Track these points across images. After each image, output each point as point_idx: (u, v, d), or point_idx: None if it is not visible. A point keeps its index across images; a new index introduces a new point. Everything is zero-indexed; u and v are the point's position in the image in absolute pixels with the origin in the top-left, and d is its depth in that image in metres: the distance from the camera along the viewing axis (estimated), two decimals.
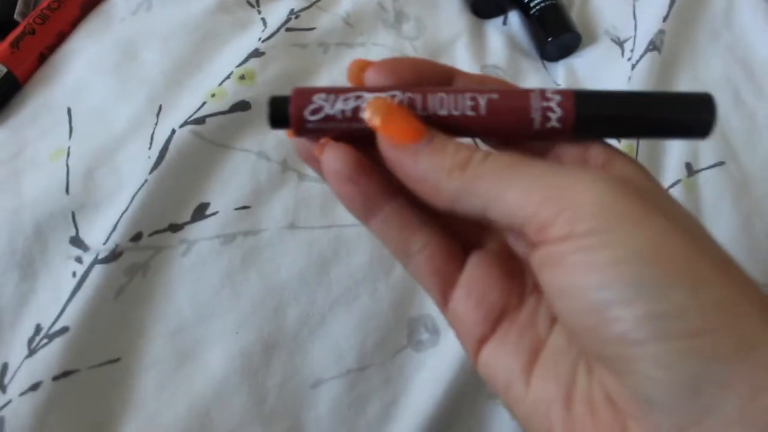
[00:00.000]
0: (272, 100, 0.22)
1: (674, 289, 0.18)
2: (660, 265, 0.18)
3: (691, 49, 0.51)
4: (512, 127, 0.22)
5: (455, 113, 0.22)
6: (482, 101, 0.21)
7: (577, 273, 0.19)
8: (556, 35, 0.49)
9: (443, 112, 0.22)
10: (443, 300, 0.24)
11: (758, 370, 0.18)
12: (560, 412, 0.21)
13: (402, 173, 0.21)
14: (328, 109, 0.22)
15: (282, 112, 0.22)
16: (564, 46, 0.50)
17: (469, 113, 0.22)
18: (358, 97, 0.22)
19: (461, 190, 0.20)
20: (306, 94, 0.22)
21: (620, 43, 0.51)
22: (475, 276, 0.24)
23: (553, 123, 0.21)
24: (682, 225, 0.19)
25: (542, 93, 0.21)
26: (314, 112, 0.22)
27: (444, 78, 0.23)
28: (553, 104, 0.21)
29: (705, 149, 0.46)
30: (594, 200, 0.19)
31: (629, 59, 0.49)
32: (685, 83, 0.49)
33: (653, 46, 0.48)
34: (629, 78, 0.47)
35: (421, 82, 0.23)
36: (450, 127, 0.22)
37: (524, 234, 0.20)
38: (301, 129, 0.22)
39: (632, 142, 0.44)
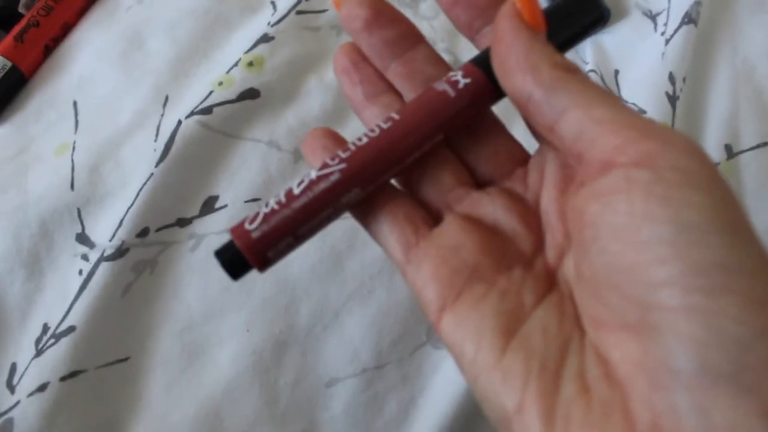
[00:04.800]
0: (219, 256, 0.22)
1: (745, 246, 0.17)
2: (731, 225, 0.17)
3: (731, 21, 0.48)
4: (438, 111, 0.23)
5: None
6: (397, 116, 0.23)
7: (650, 202, 0.18)
8: None
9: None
10: (405, 257, 0.23)
11: None
12: (538, 389, 0.19)
13: (510, 42, 0.21)
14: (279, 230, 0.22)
15: (239, 262, 0.22)
16: None
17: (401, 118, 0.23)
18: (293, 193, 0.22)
19: (558, 81, 0.20)
20: (249, 237, 0.22)
21: (653, 17, 0.48)
22: (444, 232, 0.23)
23: (464, 81, 0.23)
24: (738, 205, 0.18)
25: (445, 78, 0.23)
26: (271, 244, 0.22)
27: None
28: (457, 76, 0.23)
29: (746, 129, 0.43)
30: (685, 142, 0.18)
31: (662, 34, 0.46)
32: (724, 58, 0.46)
33: (689, 18, 0.45)
34: (663, 54, 0.44)
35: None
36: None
37: (584, 158, 0.20)
38: (267, 262, 0.22)
39: (668, 122, 0.41)
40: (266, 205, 0.22)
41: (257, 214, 0.22)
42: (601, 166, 0.19)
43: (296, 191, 0.22)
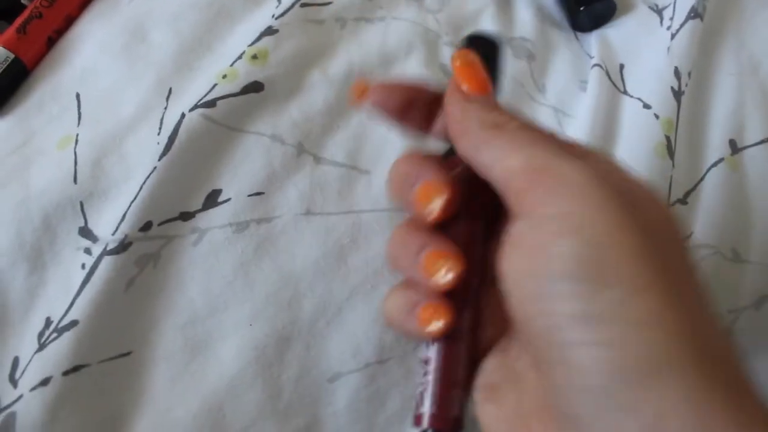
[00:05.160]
0: None
1: (607, 293, 0.18)
2: (603, 265, 0.18)
3: (737, 16, 0.48)
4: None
5: None
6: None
7: (523, 256, 0.20)
8: (588, 4, 0.46)
9: None
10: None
11: (666, 395, 0.17)
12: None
13: (450, 112, 0.25)
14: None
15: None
16: (597, 16, 0.47)
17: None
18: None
19: (485, 141, 0.23)
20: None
21: (659, 11, 0.47)
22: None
23: None
24: (650, 226, 0.19)
25: None
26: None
27: (433, 101, 0.26)
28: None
29: (751, 124, 0.42)
30: (574, 181, 0.20)
31: (668, 28, 0.46)
32: (730, 54, 0.46)
33: (695, 13, 0.45)
34: (668, 48, 0.44)
35: (410, 106, 0.27)
36: None
37: (509, 201, 0.22)
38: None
39: (672, 117, 0.41)
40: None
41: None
42: (512, 217, 0.21)
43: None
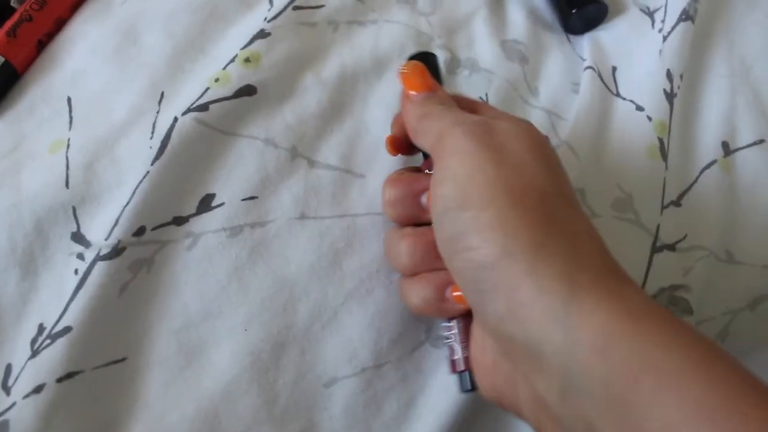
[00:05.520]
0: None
1: (467, 214, 0.26)
2: (464, 193, 0.26)
3: (727, 17, 0.48)
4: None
5: None
6: None
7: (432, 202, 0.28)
8: (580, 6, 0.46)
9: None
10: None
11: (515, 273, 0.24)
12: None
13: (403, 115, 0.33)
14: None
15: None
16: (589, 18, 0.47)
17: None
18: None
19: (419, 130, 0.31)
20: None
21: (650, 14, 0.48)
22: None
23: None
24: (512, 160, 0.27)
25: None
26: None
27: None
28: None
29: (743, 126, 0.43)
30: (449, 143, 0.28)
31: (660, 30, 0.46)
32: (721, 56, 0.46)
33: (686, 15, 0.45)
34: (660, 51, 0.44)
35: None
36: None
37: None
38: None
39: (665, 120, 0.41)
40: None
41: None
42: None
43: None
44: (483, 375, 0.30)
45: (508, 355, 0.27)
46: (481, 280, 0.25)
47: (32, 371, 0.31)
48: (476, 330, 0.30)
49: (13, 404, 0.31)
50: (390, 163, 0.37)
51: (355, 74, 0.40)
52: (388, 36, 0.43)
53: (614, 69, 0.45)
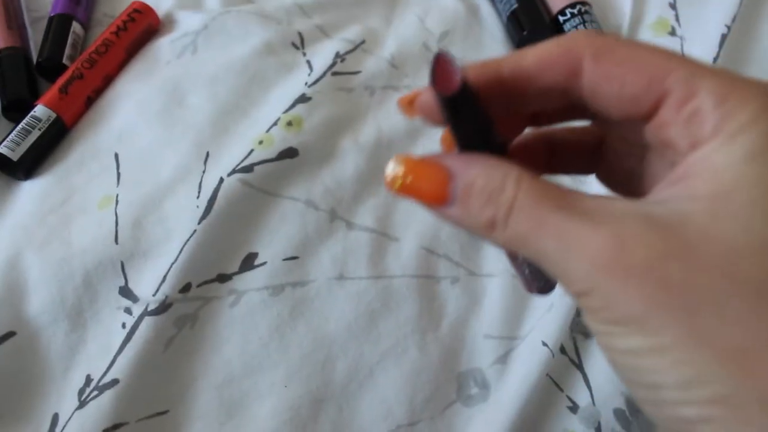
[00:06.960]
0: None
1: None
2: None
3: None
4: None
5: None
6: None
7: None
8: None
9: None
10: None
11: None
12: None
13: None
14: None
15: None
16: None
17: None
18: None
19: (503, 245, 0.19)
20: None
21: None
22: None
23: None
24: None
25: None
26: None
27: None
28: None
29: None
30: (588, 264, 0.17)
31: None
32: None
33: None
34: None
35: None
36: None
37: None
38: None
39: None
40: None
41: None
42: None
43: None
44: None
45: None
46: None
47: (79, 422, 0.33)
48: None
49: None
50: (424, 227, 0.39)
51: (390, 139, 0.42)
52: None
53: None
